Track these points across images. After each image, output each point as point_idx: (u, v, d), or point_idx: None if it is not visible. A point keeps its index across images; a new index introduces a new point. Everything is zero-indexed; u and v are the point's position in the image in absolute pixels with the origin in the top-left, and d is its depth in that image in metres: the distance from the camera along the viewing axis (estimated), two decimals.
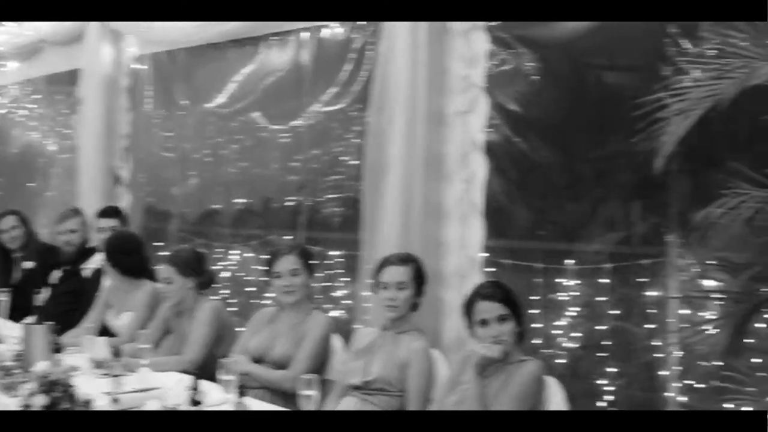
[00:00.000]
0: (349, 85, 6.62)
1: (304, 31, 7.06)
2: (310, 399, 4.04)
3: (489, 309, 4.55)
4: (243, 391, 4.42)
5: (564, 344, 5.47)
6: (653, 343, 5.18)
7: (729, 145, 4.72)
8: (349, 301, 6.57)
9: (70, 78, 9.47)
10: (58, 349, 5.29)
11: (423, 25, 5.61)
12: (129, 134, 9.12)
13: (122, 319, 6.33)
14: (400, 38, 5.68)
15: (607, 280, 5.32)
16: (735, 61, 3.62)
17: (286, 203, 7.28)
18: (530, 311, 5.40)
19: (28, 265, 7.84)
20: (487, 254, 5.65)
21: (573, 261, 5.39)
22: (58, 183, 10.07)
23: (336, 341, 5.57)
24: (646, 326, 5.27)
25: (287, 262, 5.44)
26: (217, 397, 4.47)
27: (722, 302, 4.50)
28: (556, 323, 5.51)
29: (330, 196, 6.85)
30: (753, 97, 4.03)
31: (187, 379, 4.49)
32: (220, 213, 8.01)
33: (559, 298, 5.49)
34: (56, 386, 4.09)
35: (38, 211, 9.95)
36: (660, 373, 5.14)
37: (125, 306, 6.36)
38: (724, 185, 3.98)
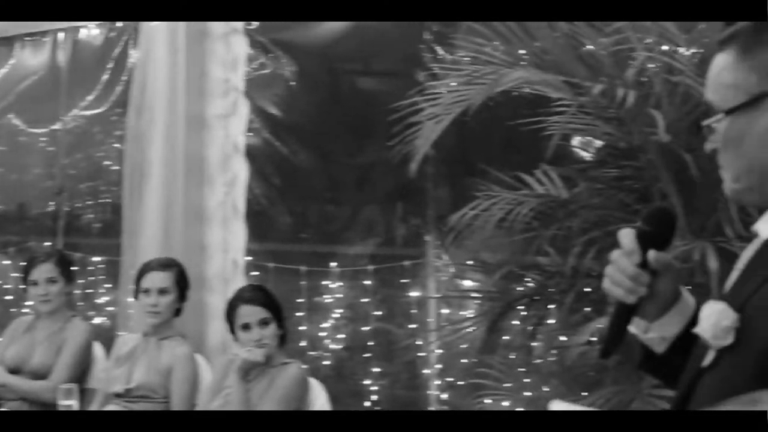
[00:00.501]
0: (110, 88, 6.50)
1: (60, 32, 6.87)
2: (70, 409, 3.94)
3: (250, 313, 4.53)
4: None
5: (329, 346, 5.51)
6: (415, 343, 5.28)
7: (482, 149, 4.86)
8: (112, 308, 6.43)
9: None
10: None
11: (181, 28, 5.56)
12: None
13: None
14: (159, 41, 5.61)
15: (370, 282, 5.39)
16: (484, 67, 3.73)
17: (47, 209, 7.08)
18: (295, 314, 5.42)
19: None
20: (251, 258, 5.65)
21: (336, 264, 5.43)
22: None
23: (97, 349, 5.43)
24: (408, 326, 5.37)
25: (44, 270, 5.27)
26: None
27: (478, 301, 4.63)
28: (322, 325, 5.54)
29: (90, 201, 6.70)
30: (505, 102, 4.17)
31: None
32: None
33: (324, 300, 5.52)
34: None
35: None
36: (422, 371, 5.25)
37: None
38: (478, 188, 4.09)
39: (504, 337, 4.27)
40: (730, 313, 1.75)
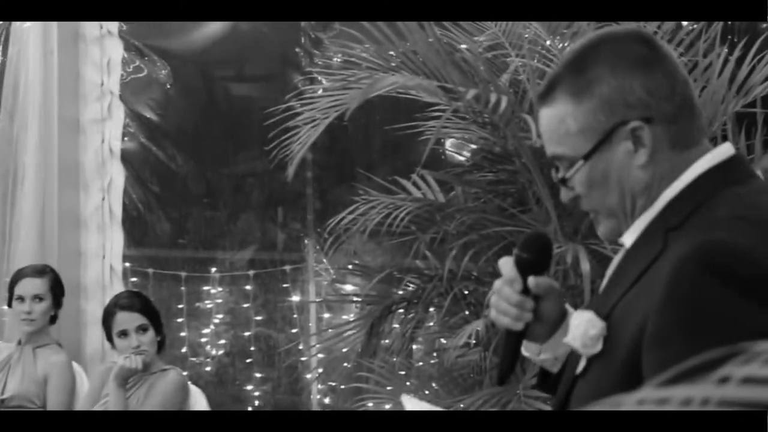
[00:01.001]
0: None
1: None
2: None
3: (128, 319, 4.48)
4: None
5: (210, 352, 5.47)
6: (296, 347, 5.28)
7: (361, 154, 4.87)
8: None
9: None
10: None
11: (54, 31, 5.47)
12: None
13: None
14: (31, 43, 5.51)
15: (250, 287, 5.37)
16: (360, 72, 3.73)
17: None
18: (176, 320, 5.37)
19: None
20: (129, 264, 5.58)
21: (215, 269, 5.40)
22: None
23: None
24: (289, 331, 5.36)
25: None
26: None
27: (358, 305, 4.65)
28: (203, 331, 5.50)
29: None
30: (383, 106, 4.18)
31: None
32: None
33: (204, 306, 5.49)
34: None
35: None
36: (304, 376, 5.24)
37: None
38: (356, 192, 4.10)
39: (384, 341, 4.28)
40: (597, 322, 1.78)
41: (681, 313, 1.64)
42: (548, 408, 3.20)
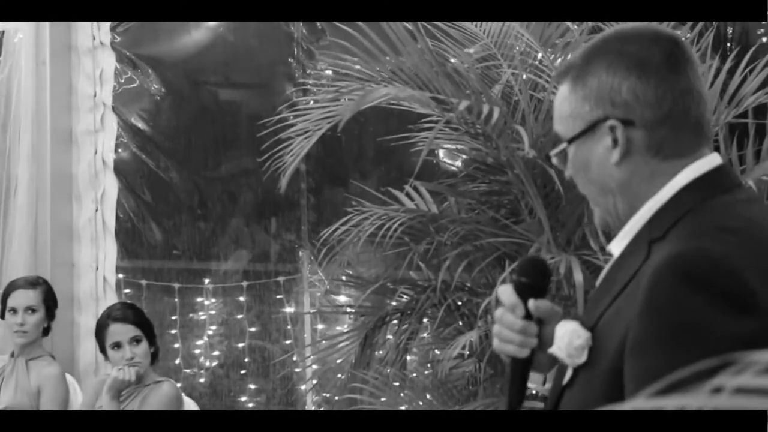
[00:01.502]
0: None
1: None
2: None
3: (121, 331, 4.46)
4: None
5: (204, 363, 5.46)
6: (291, 359, 5.27)
7: (354, 165, 4.88)
8: None
9: None
10: None
11: (46, 42, 5.48)
12: None
13: None
14: (24, 55, 5.52)
15: (244, 298, 5.36)
16: (352, 83, 3.73)
17: None
18: (169, 331, 5.36)
19: None
20: (123, 275, 5.57)
21: (209, 280, 5.40)
22: None
23: None
24: (283, 342, 5.35)
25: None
26: None
27: (352, 316, 4.64)
28: (196, 342, 5.49)
29: None
30: (376, 117, 4.18)
31: None
32: None
33: (198, 317, 5.48)
34: None
35: None
36: (298, 387, 5.23)
37: None
38: (350, 203, 4.10)
39: (378, 352, 4.27)
40: (582, 332, 1.79)
41: (657, 322, 1.65)
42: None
